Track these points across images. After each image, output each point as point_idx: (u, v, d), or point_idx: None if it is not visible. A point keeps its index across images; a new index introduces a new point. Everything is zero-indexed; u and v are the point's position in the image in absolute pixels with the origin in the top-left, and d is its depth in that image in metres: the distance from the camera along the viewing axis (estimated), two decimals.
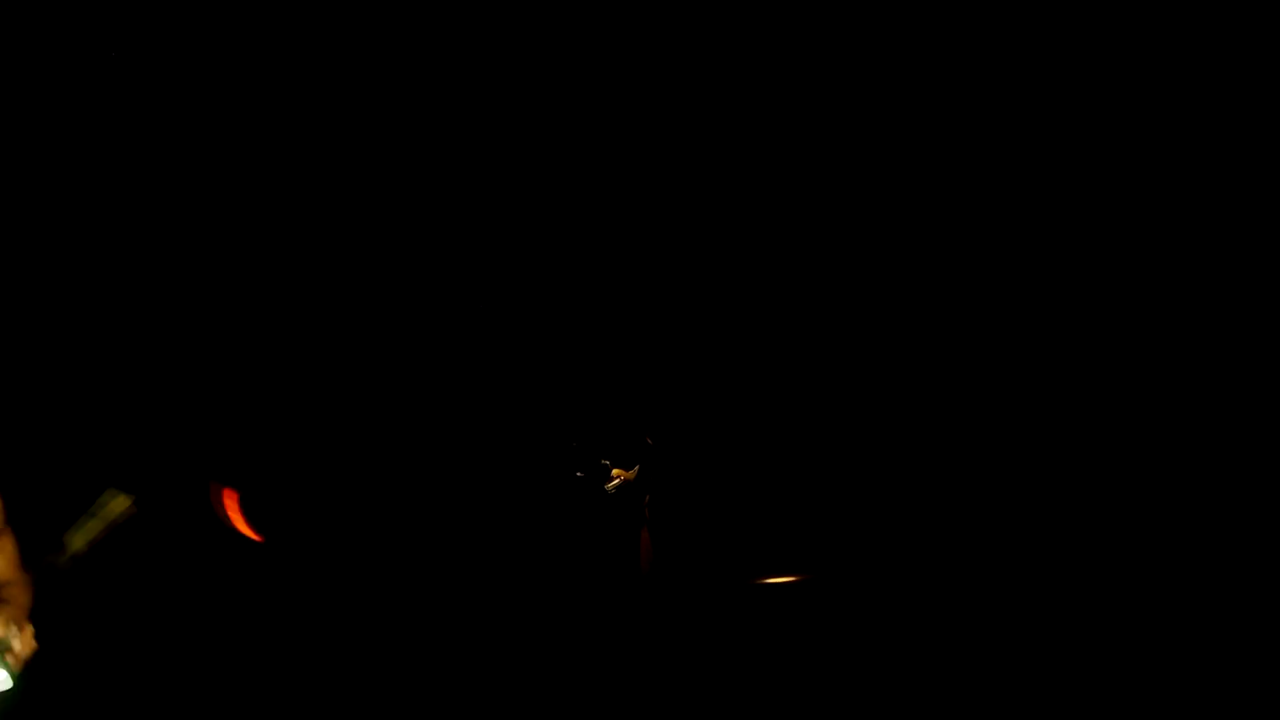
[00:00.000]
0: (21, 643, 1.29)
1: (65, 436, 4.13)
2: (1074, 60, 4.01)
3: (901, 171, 4.25)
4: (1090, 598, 3.78)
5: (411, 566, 4.35)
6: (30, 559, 1.40)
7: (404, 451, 4.48)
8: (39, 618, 1.35)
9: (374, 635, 4.07)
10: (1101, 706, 3.10)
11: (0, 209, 4.16)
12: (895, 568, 4.14)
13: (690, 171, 4.35)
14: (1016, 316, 4.22)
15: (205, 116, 4.18)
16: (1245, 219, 3.97)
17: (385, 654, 4.01)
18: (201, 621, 4.01)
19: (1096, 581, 3.83)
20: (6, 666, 1.27)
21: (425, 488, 4.48)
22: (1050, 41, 4.01)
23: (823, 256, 4.39)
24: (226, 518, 4.21)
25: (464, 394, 4.55)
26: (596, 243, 4.47)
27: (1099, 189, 4.11)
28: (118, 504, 1.55)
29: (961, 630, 3.82)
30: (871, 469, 4.30)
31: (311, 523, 4.42)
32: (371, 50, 4.11)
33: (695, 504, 4.45)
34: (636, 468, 4.50)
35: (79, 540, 1.55)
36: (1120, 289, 4.11)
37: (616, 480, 4.49)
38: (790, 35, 4.09)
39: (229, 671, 3.81)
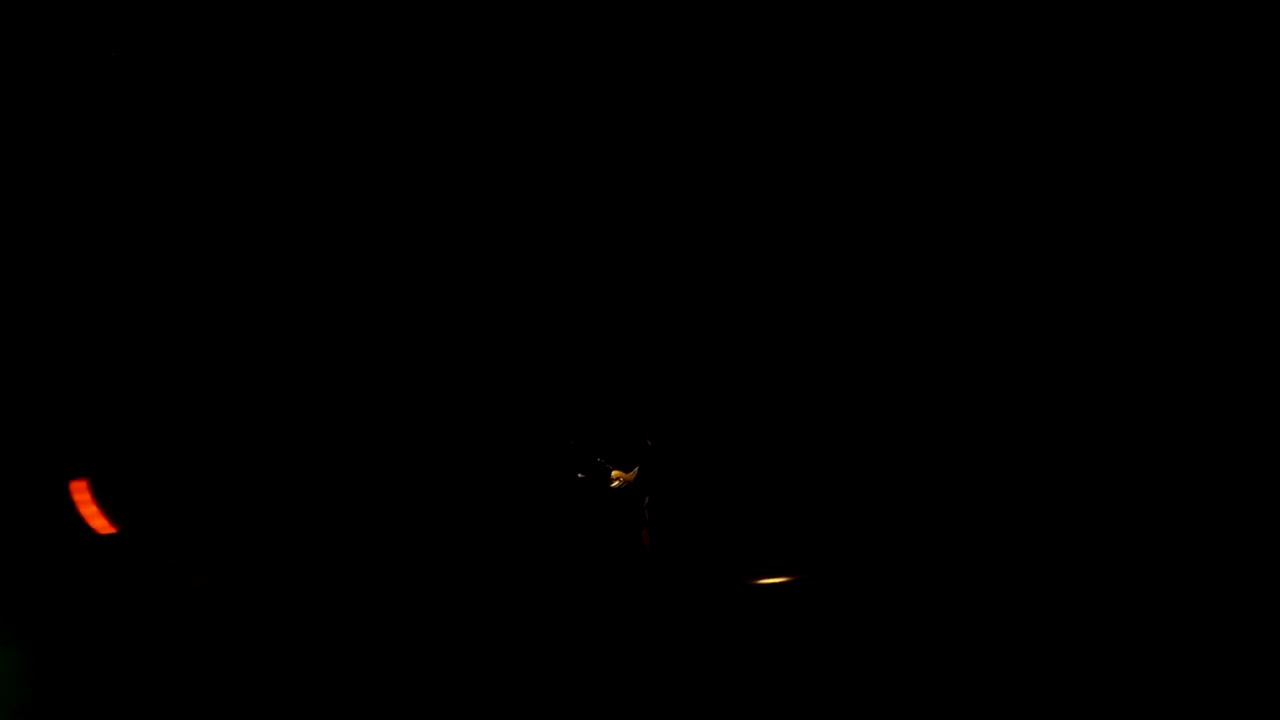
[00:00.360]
0: None
1: None
2: (1074, 60, 4.02)
3: (901, 172, 4.24)
4: (1090, 598, 3.78)
5: (407, 567, 4.34)
6: None
7: (401, 452, 4.48)
8: None
9: (368, 636, 4.07)
10: (1101, 707, 3.09)
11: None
12: (895, 568, 4.12)
13: (689, 172, 4.35)
14: (1016, 317, 4.21)
15: (205, 117, 4.19)
16: (1245, 219, 3.96)
17: (379, 656, 4.01)
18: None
19: (1096, 582, 3.83)
20: None
21: (422, 488, 4.47)
22: (1050, 42, 4.02)
23: (822, 257, 4.38)
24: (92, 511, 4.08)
25: (462, 394, 4.54)
26: (596, 244, 4.46)
27: (1099, 189, 4.11)
28: None
29: (961, 631, 3.81)
30: (871, 470, 4.29)
31: (308, 522, 4.41)
32: (371, 50, 4.12)
33: (695, 505, 4.44)
34: (636, 469, 4.49)
35: None
36: (1120, 289, 4.10)
37: (616, 481, 4.49)
38: (790, 35, 4.10)
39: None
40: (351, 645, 4.06)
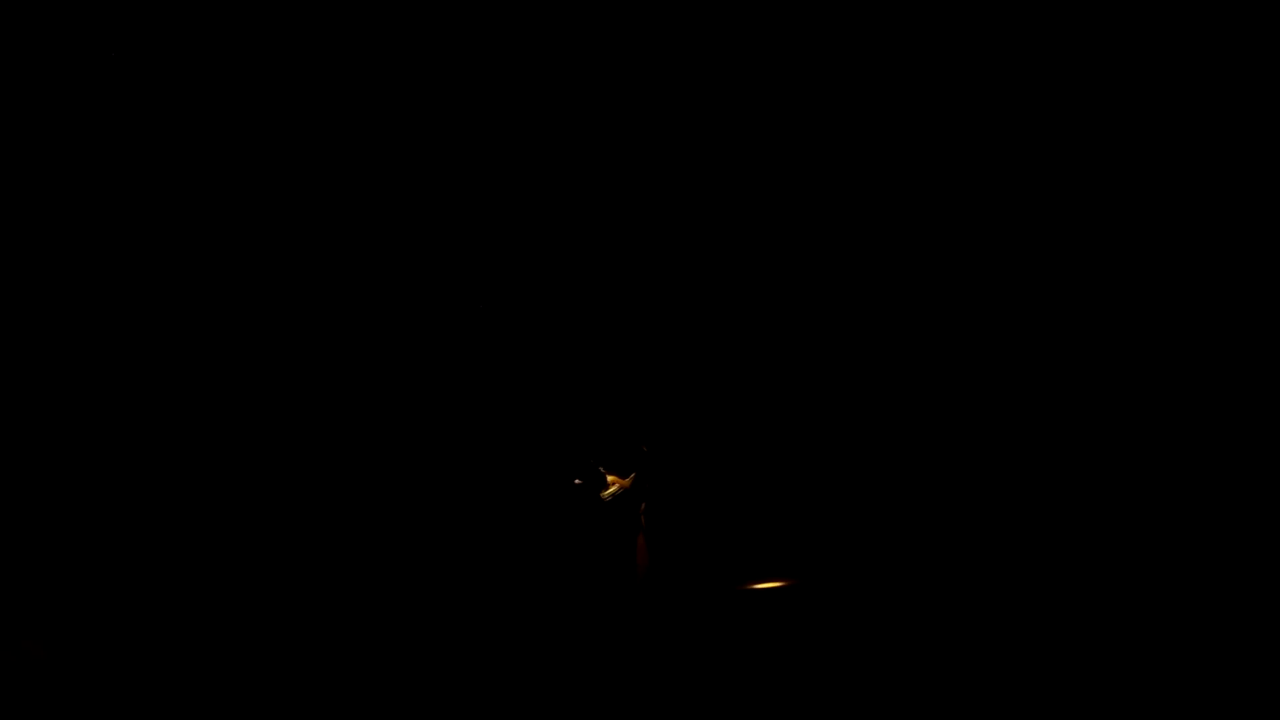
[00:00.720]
0: None
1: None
2: (1074, 60, 4.03)
3: (898, 174, 4.25)
4: (1090, 602, 3.74)
5: (406, 572, 4.33)
6: None
7: (398, 456, 4.47)
8: None
9: (365, 641, 4.05)
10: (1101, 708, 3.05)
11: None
12: (892, 574, 4.09)
13: (682, 175, 4.36)
14: (1015, 320, 4.19)
15: (205, 117, 4.22)
16: (1245, 219, 3.95)
17: (376, 659, 3.99)
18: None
19: (1096, 586, 3.79)
20: None
21: (419, 493, 4.46)
22: (1050, 42, 4.03)
23: (818, 260, 4.38)
24: None
25: (458, 399, 4.54)
26: (596, 245, 4.47)
27: (1099, 189, 4.11)
28: None
29: (959, 636, 3.78)
30: (868, 475, 4.27)
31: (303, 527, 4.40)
32: (371, 50, 4.15)
33: (692, 511, 4.42)
34: (633, 475, 4.47)
35: None
36: (1120, 289, 4.08)
37: (613, 488, 4.47)
38: (790, 35, 4.12)
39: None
40: (344, 650, 4.04)
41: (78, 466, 4.23)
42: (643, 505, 4.44)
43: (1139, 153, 4.04)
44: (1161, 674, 3.29)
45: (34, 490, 4.17)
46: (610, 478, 4.49)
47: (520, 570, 4.36)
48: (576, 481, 4.46)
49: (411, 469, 4.47)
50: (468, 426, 4.53)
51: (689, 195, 4.39)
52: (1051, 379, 4.11)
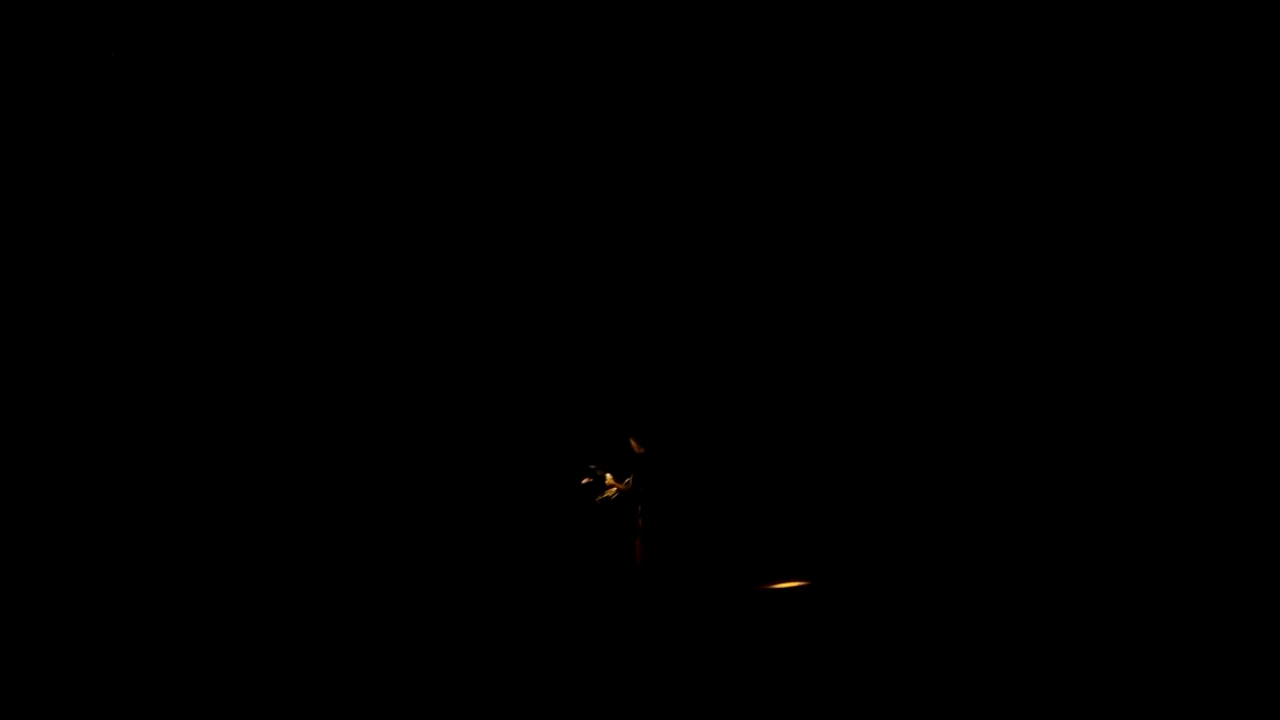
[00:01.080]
0: None
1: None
2: (1074, 60, 4.04)
3: (896, 174, 4.26)
4: (1090, 602, 3.74)
5: (406, 574, 4.33)
6: None
7: (398, 457, 4.47)
8: None
9: (365, 642, 4.04)
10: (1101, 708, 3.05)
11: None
12: (890, 572, 4.09)
13: (682, 178, 4.37)
14: (1015, 318, 4.20)
15: (205, 117, 4.22)
16: (1245, 219, 3.96)
17: (377, 659, 3.98)
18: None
19: (1097, 586, 3.79)
20: None
21: (419, 493, 4.46)
22: (1050, 41, 4.04)
23: (814, 265, 4.39)
24: None
25: (458, 400, 4.54)
26: (595, 247, 4.48)
27: (1099, 189, 4.12)
28: None
29: (958, 636, 3.78)
30: (865, 474, 4.27)
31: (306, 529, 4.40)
32: (371, 50, 4.15)
33: (689, 511, 4.42)
34: (631, 477, 4.47)
35: None
36: (1120, 289, 4.09)
37: (611, 489, 4.47)
38: (790, 35, 4.13)
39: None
40: (344, 651, 4.03)
41: (77, 467, 4.22)
42: (640, 507, 4.44)
43: (1139, 154, 4.05)
44: (1161, 674, 3.29)
45: (33, 489, 4.16)
46: (609, 479, 4.48)
47: (520, 570, 4.36)
48: (585, 481, 4.46)
49: (412, 469, 4.47)
50: (468, 427, 4.53)
51: (688, 198, 4.39)
52: (1051, 380, 4.12)
